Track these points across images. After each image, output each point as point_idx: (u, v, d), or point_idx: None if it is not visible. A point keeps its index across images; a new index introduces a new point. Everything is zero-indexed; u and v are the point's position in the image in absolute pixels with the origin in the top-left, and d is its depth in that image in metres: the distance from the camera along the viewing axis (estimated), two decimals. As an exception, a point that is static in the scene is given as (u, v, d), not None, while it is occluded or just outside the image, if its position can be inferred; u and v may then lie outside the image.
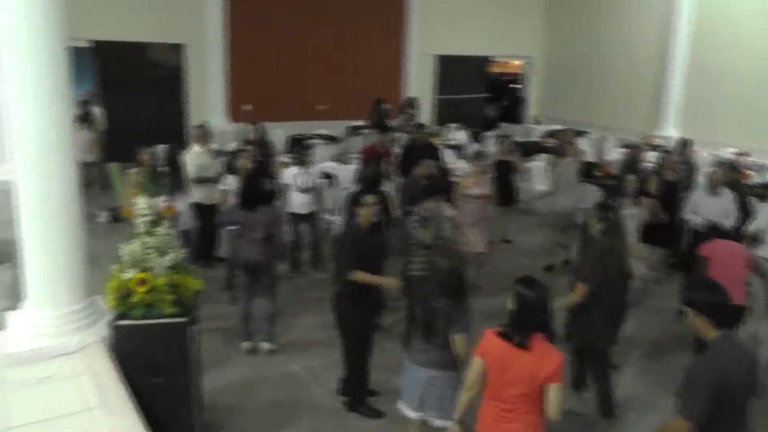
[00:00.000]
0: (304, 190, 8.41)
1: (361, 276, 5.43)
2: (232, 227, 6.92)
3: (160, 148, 7.74)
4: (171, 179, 7.42)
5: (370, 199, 5.70)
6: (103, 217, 10.57)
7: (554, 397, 3.78)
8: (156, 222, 4.86)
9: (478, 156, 8.75)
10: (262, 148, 9.38)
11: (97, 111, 13.19)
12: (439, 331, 4.48)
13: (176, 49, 14.40)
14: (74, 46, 10.85)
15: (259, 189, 6.63)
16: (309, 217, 8.57)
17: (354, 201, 6.12)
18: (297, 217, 8.54)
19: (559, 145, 10.71)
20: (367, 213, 5.64)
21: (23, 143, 4.54)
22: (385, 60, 16.68)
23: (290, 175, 8.49)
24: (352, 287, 5.50)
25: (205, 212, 8.19)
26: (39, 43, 4.39)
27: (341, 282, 5.57)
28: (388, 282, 5.62)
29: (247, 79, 14.77)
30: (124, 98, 13.53)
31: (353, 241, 5.56)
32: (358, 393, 5.84)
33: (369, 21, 16.03)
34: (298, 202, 8.45)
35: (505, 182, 10.15)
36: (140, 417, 3.95)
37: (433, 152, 9.83)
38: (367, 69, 16.00)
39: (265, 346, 6.77)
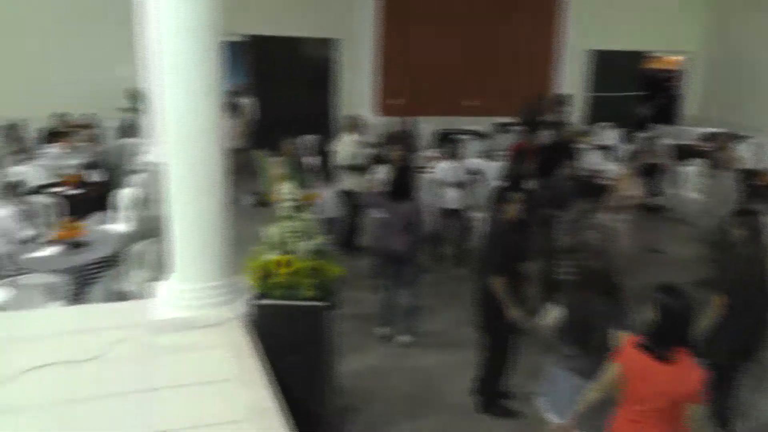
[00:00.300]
0: (455, 185, 8.31)
1: (499, 286, 5.29)
2: (377, 215, 6.95)
3: (309, 139, 7.94)
4: (318, 168, 7.59)
5: (516, 195, 5.56)
6: (248, 201, 10.95)
7: (694, 418, 3.51)
8: (300, 207, 4.94)
9: (634, 157, 8.34)
10: (407, 142, 9.40)
11: (246, 101, 13.73)
12: (596, 336, 4.25)
13: (328, 43, 14.74)
14: (230, 40, 11.32)
15: (408, 181, 6.64)
16: (457, 213, 8.47)
17: (500, 198, 5.97)
18: (446, 212, 8.45)
19: (715, 149, 9.99)
20: (512, 210, 5.50)
21: (175, 128, 4.74)
22: (537, 56, 16.23)
23: (442, 169, 8.40)
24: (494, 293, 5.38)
25: (352, 200, 8.30)
26: (195, 35, 4.54)
27: (485, 281, 5.45)
28: (518, 315, 5.40)
29: (396, 74, 14.86)
30: (275, 90, 14.13)
31: (499, 238, 5.44)
32: (493, 394, 5.72)
33: (521, 16, 15.65)
34: (448, 197, 8.36)
35: (651, 186, 9.57)
36: (276, 392, 4.02)
37: (571, 153, 9.42)
38: (517, 65, 15.65)
39: (403, 338, 6.76)
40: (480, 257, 6.09)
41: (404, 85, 14.80)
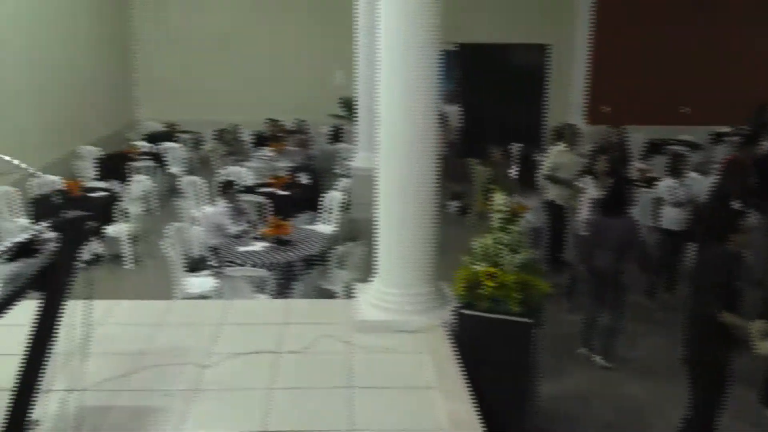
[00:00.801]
0: (679, 204, 7.65)
1: (730, 319, 4.75)
2: (585, 229, 6.60)
3: (515, 147, 7.70)
4: (523, 178, 7.32)
5: (747, 223, 4.99)
6: (452, 208, 10.87)
7: None
8: (510, 219, 4.77)
9: None
10: (620, 153, 8.86)
11: (453, 109, 13.67)
12: None
13: (539, 50, 14.41)
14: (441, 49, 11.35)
15: (622, 196, 6.23)
16: (674, 234, 7.79)
17: (713, 218, 5.40)
18: (668, 234, 7.80)
19: None
20: (741, 240, 4.94)
21: (389, 134, 4.80)
22: (762, 60, 14.79)
23: (665, 187, 7.80)
24: (718, 326, 4.83)
25: (557, 212, 7.96)
26: (414, 44, 4.58)
27: (704, 317, 4.93)
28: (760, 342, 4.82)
29: (608, 80, 14.21)
30: (483, 98, 13.92)
31: (725, 272, 4.89)
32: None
33: (743, 16, 14.27)
34: (671, 217, 7.72)
35: None
36: (476, 405, 3.86)
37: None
38: (738, 69, 14.23)
39: (600, 360, 6.34)
40: (696, 285, 5.55)
41: (614, 92, 14.08)
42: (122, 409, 3.98)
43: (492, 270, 4.52)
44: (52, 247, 3.08)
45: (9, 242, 3.16)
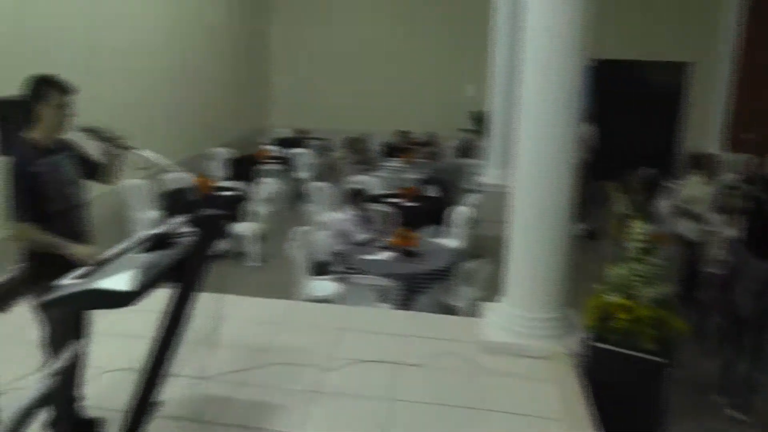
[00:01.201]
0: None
1: None
2: (724, 268, 6.22)
3: (649, 172, 7.36)
4: (652, 206, 6.99)
5: None
6: (580, 231, 10.56)
7: None
8: (648, 250, 4.55)
9: None
10: (765, 186, 8.30)
11: (588, 128, 13.27)
12: None
13: (678, 67, 13.66)
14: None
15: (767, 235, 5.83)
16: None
17: None
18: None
19: None
20: None
21: (528, 152, 4.67)
22: None
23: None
24: None
25: (689, 248, 7.57)
26: (559, 59, 4.46)
27: None
28: None
29: (754, 104, 13.02)
30: (616, 117, 13.37)
31: None
32: None
33: None
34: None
35: None
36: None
37: None
38: None
39: (734, 412, 5.95)
40: None
41: (761, 117, 12.76)
42: (243, 403, 4.10)
43: (626, 302, 4.34)
44: (188, 240, 3.20)
45: (148, 233, 3.31)
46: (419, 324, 5.26)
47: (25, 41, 6.54)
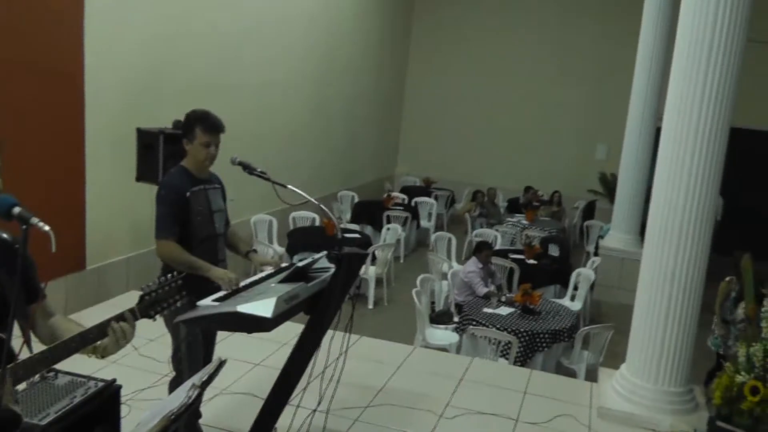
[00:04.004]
0: None
1: None
2: None
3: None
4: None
5: None
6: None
7: None
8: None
9: None
10: None
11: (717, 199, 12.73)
12: None
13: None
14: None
15: None
16: None
17: None
18: None
19: None
20: None
21: (663, 219, 4.60)
22: None
23: None
24: None
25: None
26: (703, 127, 4.40)
27: None
28: None
29: None
30: (744, 190, 12.68)
31: None
32: None
33: None
34: None
35: None
36: None
37: None
38: None
39: None
40: None
41: None
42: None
43: (757, 384, 4.19)
44: (326, 276, 3.36)
45: (289, 265, 3.50)
46: (537, 383, 5.26)
47: (173, 78, 7.02)
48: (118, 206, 6.36)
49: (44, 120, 5.55)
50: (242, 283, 3.34)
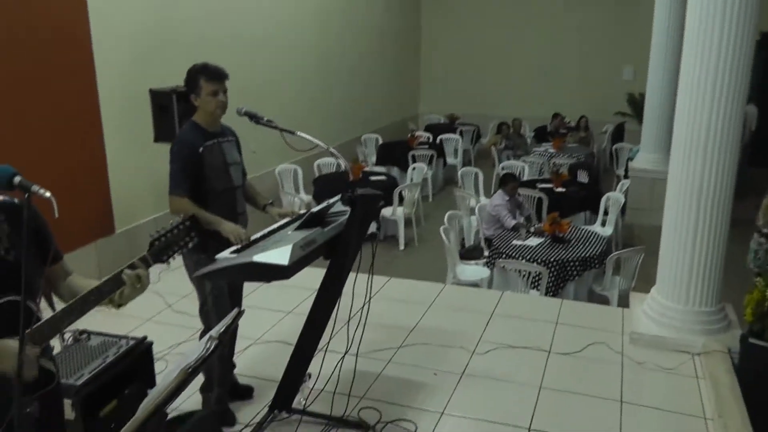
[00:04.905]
0: None
1: None
2: None
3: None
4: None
5: None
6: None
7: None
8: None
9: None
10: None
11: (749, 108, 12.33)
12: None
13: None
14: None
15: None
16: None
17: None
18: None
19: None
20: None
21: (688, 135, 4.44)
22: None
23: None
24: None
25: None
26: (728, 35, 4.19)
27: None
28: None
29: None
30: None
31: None
32: None
33: None
34: None
35: None
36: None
37: None
38: None
39: None
40: None
41: None
42: (390, 380, 4.27)
43: (788, 298, 4.12)
44: (342, 219, 3.36)
45: (305, 212, 3.50)
46: (568, 312, 5.25)
47: (180, 36, 6.98)
48: (139, 168, 6.39)
49: (57, 88, 5.55)
50: (260, 234, 3.36)
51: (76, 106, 5.78)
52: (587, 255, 5.99)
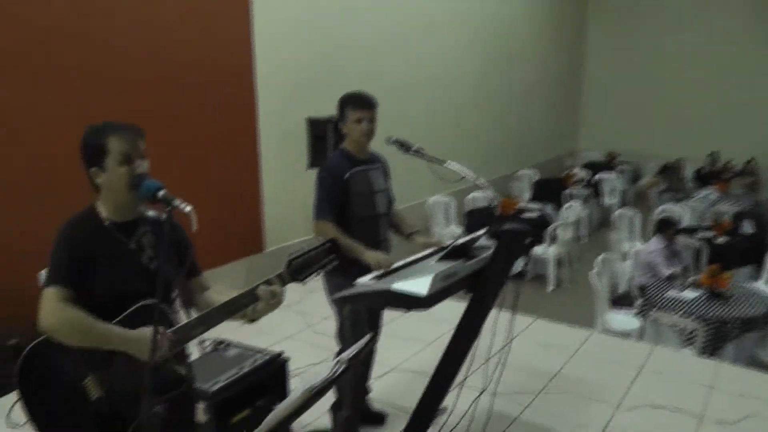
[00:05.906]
0: None
1: None
2: None
3: None
4: None
5: None
6: None
7: None
8: None
9: None
10: None
11: None
12: None
13: None
14: None
15: None
16: None
17: None
18: None
19: None
20: None
21: None
22: None
23: None
24: None
25: None
26: None
27: None
28: None
29: None
30: None
31: None
32: None
33: None
34: None
35: None
36: None
37: None
38: None
39: None
40: None
41: None
42: (526, 425, 4.13)
43: None
44: (487, 253, 3.26)
45: (448, 243, 3.44)
46: (726, 377, 4.85)
47: (340, 65, 7.19)
48: (291, 193, 6.64)
49: (218, 117, 5.89)
50: (402, 262, 3.32)
51: (235, 137, 6.15)
52: (749, 315, 5.52)
